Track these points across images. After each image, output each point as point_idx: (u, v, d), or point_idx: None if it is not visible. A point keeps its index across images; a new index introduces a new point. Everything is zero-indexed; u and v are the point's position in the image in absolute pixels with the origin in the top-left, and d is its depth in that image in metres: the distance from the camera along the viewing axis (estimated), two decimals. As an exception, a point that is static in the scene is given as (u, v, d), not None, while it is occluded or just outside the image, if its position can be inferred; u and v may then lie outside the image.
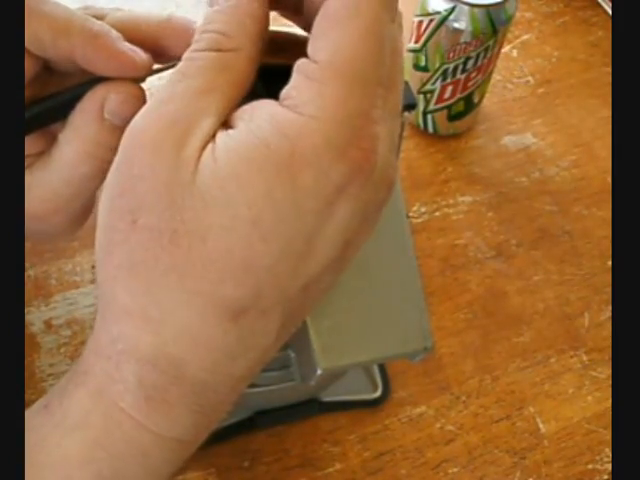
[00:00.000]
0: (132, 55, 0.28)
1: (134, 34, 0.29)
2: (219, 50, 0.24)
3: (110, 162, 0.27)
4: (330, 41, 0.23)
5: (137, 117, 0.24)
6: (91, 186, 0.30)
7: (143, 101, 0.28)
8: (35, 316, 0.50)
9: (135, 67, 0.28)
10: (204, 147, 0.23)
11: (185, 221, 0.22)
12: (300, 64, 0.24)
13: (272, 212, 0.23)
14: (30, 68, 0.28)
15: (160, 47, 0.30)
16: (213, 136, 0.24)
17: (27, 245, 0.52)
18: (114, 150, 0.27)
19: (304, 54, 0.24)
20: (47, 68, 0.29)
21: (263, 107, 0.24)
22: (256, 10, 0.25)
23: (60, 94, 0.29)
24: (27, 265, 0.52)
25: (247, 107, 0.24)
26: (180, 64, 0.25)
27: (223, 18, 0.25)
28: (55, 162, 0.29)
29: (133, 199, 0.23)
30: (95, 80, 0.28)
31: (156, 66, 0.29)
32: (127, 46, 0.28)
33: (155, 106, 0.24)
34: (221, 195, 0.22)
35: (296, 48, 0.25)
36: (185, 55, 0.25)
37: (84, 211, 0.31)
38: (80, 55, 0.28)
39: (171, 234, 0.23)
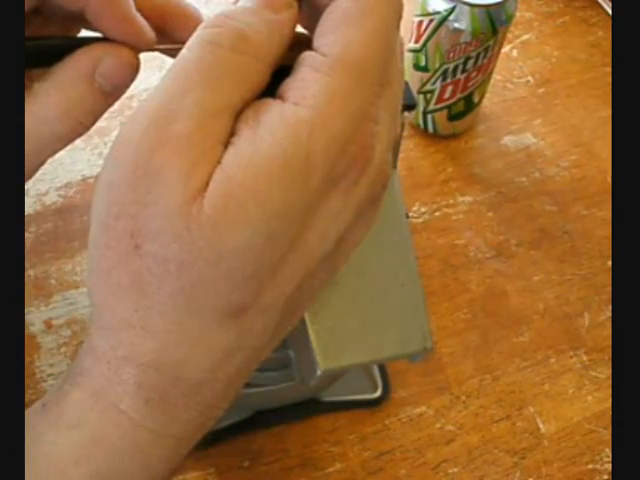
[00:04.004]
0: (143, 26, 0.26)
1: (142, 5, 0.27)
2: (241, 52, 0.23)
3: (85, 126, 0.26)
4: (340, 36, 0.23)
5: (138, 130, 0.22)
6: (56, 146, 0.27)
7: (137, 72, 0.27)
8: (35, 316, 0.50)
9: (143, 39, 0.26)
10: (212, 173, 0.22)
11: (193, 251, 0.22)
12: (306, 57, 0.24)
13: (286, 219, 0.22)
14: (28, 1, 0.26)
15: (164, 26, 0.28)
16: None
17: (27, 245, 0.52)
18: (94, 115, 0.26)
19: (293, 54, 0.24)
20: (37, 11, 0.27)
21: (268, 108, 0.23)
22: (290, 31, 0.25)
23: (46, 39, 0.26)
24: (27, 265, 0.52)
25: (249, 111, 0.23)
26: (194, 53, 0.23)
27: (255, 19, 0.24)
28: (25, 113, 0.26)
29: (134, 223, 0.22)
30: (91, 39, 0.26)
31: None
32: (139, 16, 0.26)
33: (162, 123, 0.22)
34: (238, 216, 0.22)
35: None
36: (202, 37, 0.23)
37: (37, 168, 0.28)
38: (94, 7, 0.26)
39: (178, 263, 0.22)
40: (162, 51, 0.28)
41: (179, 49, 0.24)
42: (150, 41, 0.27)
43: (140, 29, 0.26)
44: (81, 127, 0.26)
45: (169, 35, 0.28)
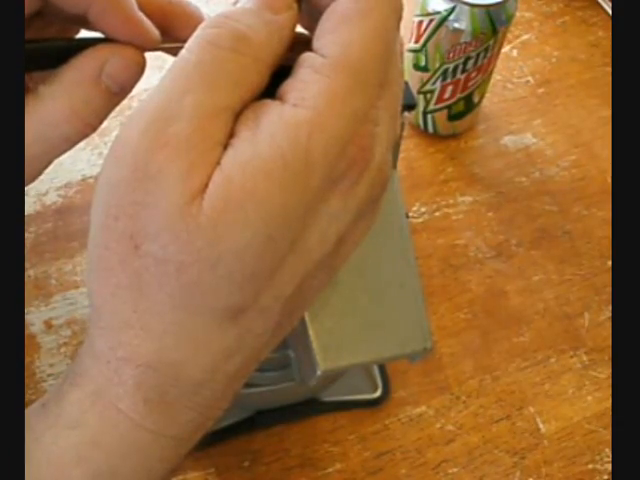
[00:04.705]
0: (148, 26, 0.26)
1: (144, 4, 0.27)
2: (241, 53, 0.23)
3: (93, 127, 0.26)
4: (340, 37, 0.23)
5: (137, 131, 0.22)
6: (64, 148, 0.27)
7: (143, 71, 0.27)
8: (35, 316, 0.50)
9: (147, 39, 0.26)
10: (211, 175, 0.22)
11: (192, 252, 0.22)
12: (306, 57, 0.24)
13: (285, 221, 0.22)
14: (31, 3, 0.26)
15: (165, 25, 0.28)
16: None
17: (27, 245, 0.52)
18: (101, 116, 0.26)
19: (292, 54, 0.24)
20: (39, 14, 0.27)
21: (268, 110, 0.23)
22: (290, 32, 0.25)
23: (50, 41, 0.27)
24: (27, 265, 0.52)
25: (248, 112, 0.23)
26: (194, 54, 0.23)
27: (254, 20, 0.24)
28: (32, 116, 0.26)
29: (133, 224, 0.22)
30: (95, 40, 0.26)
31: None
32: (142, 16, 0.27)
33: (161, 124, 0.22)
34: (237, 218, 0.22)
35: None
36: (202, 37, 0.23)
37: (44, 169, 0.29)
38: (97, 9, 0.26)
39: (178, 265, 0.22)
40: (164, 50, 0.28)
41: (181, 47, 0.24)
42: (155, 40, 0.27)
43: (145, 29, 0.26)
44: (88, 128, 0.27)
45: (170, 34, 0.28)
